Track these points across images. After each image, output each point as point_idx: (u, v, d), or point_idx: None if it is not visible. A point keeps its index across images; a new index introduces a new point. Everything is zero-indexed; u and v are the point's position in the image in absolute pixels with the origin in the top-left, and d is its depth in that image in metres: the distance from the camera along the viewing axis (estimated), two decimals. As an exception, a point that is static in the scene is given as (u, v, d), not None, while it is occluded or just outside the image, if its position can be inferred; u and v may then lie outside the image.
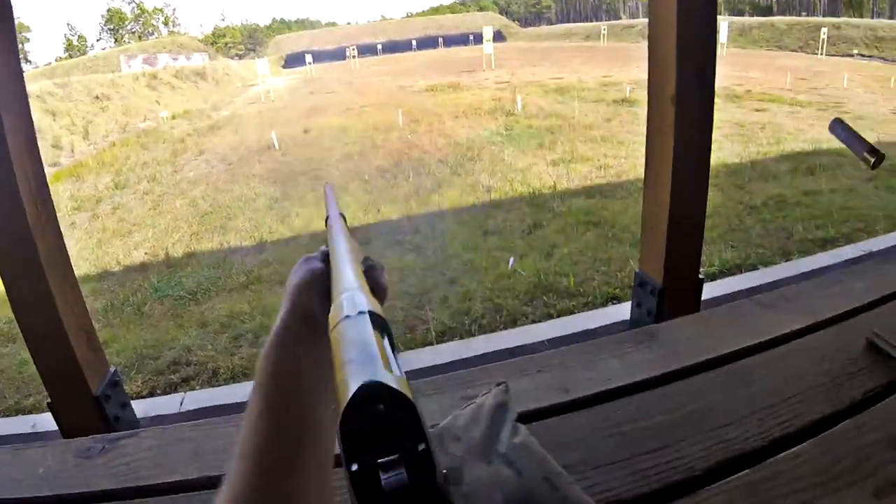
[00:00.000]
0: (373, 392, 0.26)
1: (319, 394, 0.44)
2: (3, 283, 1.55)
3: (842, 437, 0.85)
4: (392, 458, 0.25)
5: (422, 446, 0.26)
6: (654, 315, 1.77)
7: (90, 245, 6.28)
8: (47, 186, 1.62)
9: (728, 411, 0.92)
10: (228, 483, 0.39)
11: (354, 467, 0.25)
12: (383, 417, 0.25)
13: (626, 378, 0.99)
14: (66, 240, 1.70)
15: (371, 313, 0.33)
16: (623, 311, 2.59)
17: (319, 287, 0.49)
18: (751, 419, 0.90)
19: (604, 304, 3.61)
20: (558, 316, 3.51)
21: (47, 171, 1.67)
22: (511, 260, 4.36)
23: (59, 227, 1.65)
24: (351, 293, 0.37)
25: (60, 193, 8.42)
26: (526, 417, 0.88)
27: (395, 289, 4.02)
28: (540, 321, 3.47)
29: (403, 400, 0.26)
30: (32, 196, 1.51)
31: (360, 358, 0.29)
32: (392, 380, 0.26)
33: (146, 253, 5.88)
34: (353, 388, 0.26)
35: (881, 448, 0.82)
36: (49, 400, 1.66)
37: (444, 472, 0.26)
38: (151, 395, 3.19)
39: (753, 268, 3.90)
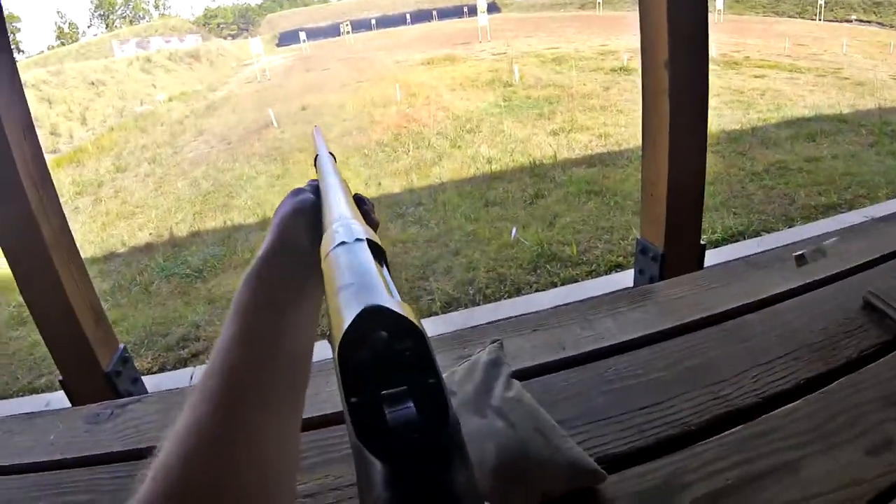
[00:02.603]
0: (375, 317, 0.23)
1: (301, 330, 0.41)
2: (10, 265, 1.58)
3: (837, 394, 0.86)
4: (398, 390, 0.22)
5: (432, 379, 0.23)
6: (656, 281, 1.78)
7: (94, 228, 6.30)
8: (48, 170, 1.63)
9: (723, 368, 0.93)
10: (191, 406, 0.34)
11: (354, 400, 0.22)
12: (387, 345, 0.23)
13: (622, 336, 1.01)
14: (70, 223, 1.72)
15: (369, 241, 0.32)
16: (626, 278, 2.60)
17: (309, 218, 0.46)
18: (746, 376, 0.92)
19: (607, 272, 3.60)
20: (562, 284, 3.53)
21: (47, 158, 1.68)
22: (514, 230, 4.35)
23: (61, 209, 1.67)
24: (346, 220, 0.35)
25: (62, 179, 8.41)
26: (522, 374, 0.90)
27: (398, 261, 4.04)
28: (544, 290, 3.49)
29: (410, 326, 0.23)
30: (33, 180, 1.53)
31: (360, 282, 0.26)
32: (396, 304, 0.24)
33: (150, 233, 5.90)
34: (352, 312, 0.23)
35: (876, 406, 0.82)
36: (61, 377, 1.70)
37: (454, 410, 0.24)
38: (162, 370, 3.25)
39: (756, 234, 3.88)
